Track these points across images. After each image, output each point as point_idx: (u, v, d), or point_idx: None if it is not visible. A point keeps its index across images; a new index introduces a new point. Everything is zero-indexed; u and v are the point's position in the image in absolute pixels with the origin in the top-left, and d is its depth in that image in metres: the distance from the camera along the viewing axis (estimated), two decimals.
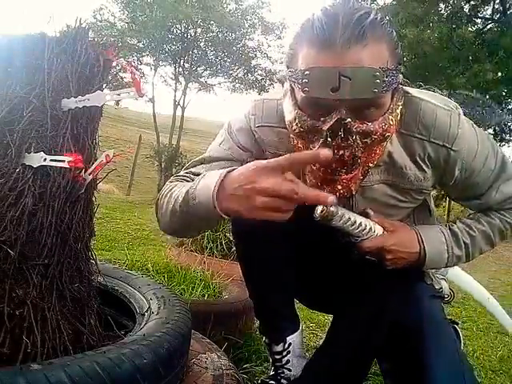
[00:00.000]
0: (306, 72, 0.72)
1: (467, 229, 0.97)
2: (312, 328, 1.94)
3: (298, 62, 0.76)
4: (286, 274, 1.07)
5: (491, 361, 1.87)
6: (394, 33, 0.77)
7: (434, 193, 1.04)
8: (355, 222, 0.88)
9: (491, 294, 3.81)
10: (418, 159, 0.88)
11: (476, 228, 0.97)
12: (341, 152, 0.74)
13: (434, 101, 0.87)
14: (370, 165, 0.81)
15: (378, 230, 0.92)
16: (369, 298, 0.97)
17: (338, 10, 0.73)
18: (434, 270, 1.03)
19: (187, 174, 0.95)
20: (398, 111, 0.79)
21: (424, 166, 0.89)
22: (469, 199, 0.97)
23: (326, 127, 0.73)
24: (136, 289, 0.98)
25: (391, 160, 0.87)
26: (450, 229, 0.97)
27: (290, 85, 0.79)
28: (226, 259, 2.15)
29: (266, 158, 0.90)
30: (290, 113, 0.80)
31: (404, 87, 0.82)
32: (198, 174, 0.84)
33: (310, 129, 0.76)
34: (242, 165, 0.85)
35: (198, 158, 1.00)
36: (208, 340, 0.99)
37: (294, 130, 0.79)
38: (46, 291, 0.72)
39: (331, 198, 0.65)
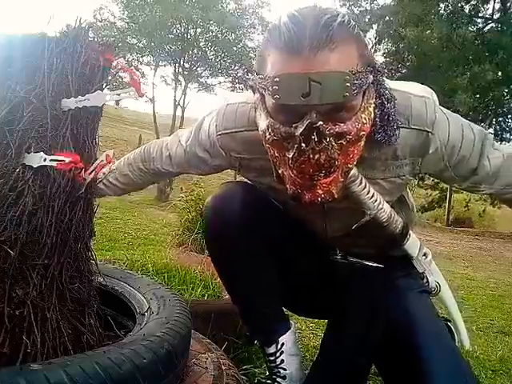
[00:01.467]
0: (276, 79, 0.71)
1: None
2: (312, 328, 1.94)
3: (268, 69, 0.74)
4: (268, 275, 1.06)
5: (491, 361, 1.86)
6: (362, 34, 0.77)
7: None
8: (370, 191, 0.91)
9: (491, 293, 3.84)
10: (396, 148, 0.87)
11: None
12: (316, 156, 0.73)
13: (407, 90, 0.88)
14: (350, 165, 0.79)
15: (386, 207, 0.95)
16: (358, 298, 0.96)
17: (305, 14, 0.72)
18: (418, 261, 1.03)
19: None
20: (371, 109, 0.78)
21: (400, 154, 0.89)
22: (467, 177, 0.95)
23: (298, 132, 0.72)
24: (136, 289, 0.97)
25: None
26: None
27: (261, 92, 0.78)
28: None
29: (229, 161, 1.01)
30: (262, 122, 0.79)
31: (380, 80, 0.80)
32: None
33: (283, 136, 0.75)
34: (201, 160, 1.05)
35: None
36: (208, 340, 0.99)
37: (268, 139, 0.78)
38: (46, 291, 0.72)
39: None
